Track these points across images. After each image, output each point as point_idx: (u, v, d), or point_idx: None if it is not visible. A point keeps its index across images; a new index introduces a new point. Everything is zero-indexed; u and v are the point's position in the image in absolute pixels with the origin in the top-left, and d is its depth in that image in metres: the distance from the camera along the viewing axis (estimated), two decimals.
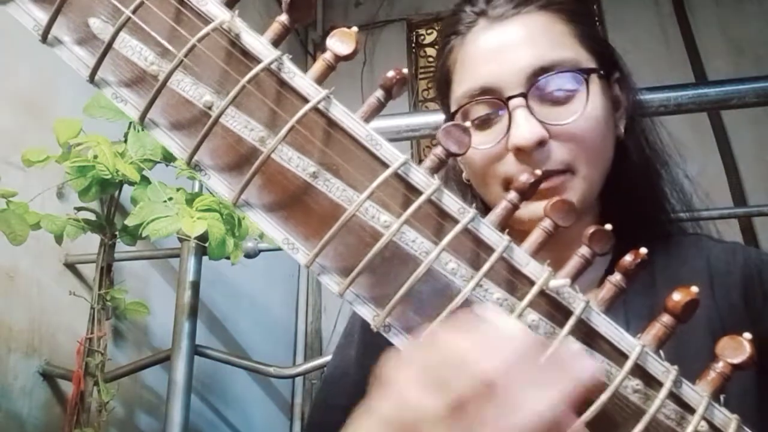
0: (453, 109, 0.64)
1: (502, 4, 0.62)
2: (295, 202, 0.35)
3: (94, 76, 0.36)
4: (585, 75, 0.59)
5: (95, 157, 1.36)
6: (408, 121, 1.39)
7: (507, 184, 0.60)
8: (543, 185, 0.56)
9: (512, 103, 0.58)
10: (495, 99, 0.59)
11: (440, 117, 1.46)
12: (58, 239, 1.43)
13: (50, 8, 0.36)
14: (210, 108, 0.35)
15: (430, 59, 3.63)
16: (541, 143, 0.57)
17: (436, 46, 3.51)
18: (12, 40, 1.40)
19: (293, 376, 2.30)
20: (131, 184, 1.45)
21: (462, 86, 0.63)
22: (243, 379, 2.32)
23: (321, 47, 3.58)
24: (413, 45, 3.62)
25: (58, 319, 1.59)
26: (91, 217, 1.54)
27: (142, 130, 0.37)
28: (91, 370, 1.46)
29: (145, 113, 0.36)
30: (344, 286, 0.34)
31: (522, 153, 0.58)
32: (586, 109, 0.58)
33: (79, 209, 1.52)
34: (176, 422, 1.47)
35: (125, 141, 1.46)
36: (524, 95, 0.58)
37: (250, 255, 1.79)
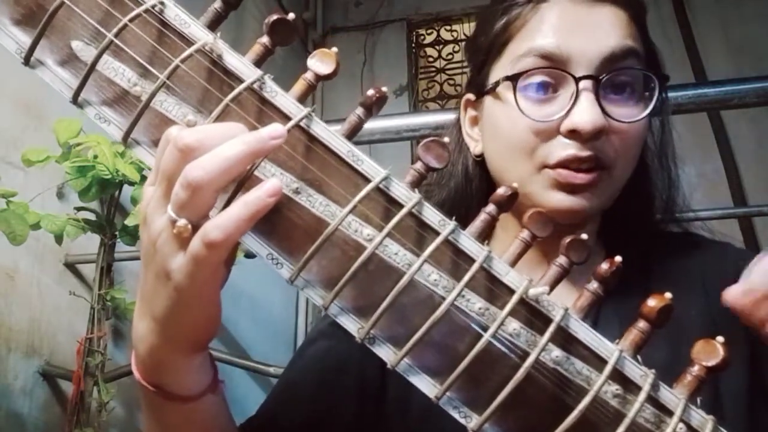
0: (506, 69, 0.60)
1: None
2: (279, 218, 0.35)
3: (77, 98, 0.37)
4: (659, 80, 0.58)
5: (95, 157, 1.36)
6: (408, 121, 1.39)
7: (541, 167, 0.57)
8: (582, 179, 0.56)
9: (582, 83, 0.55)
10: (565, 72, 0.56)
11: (440, 117, 1.46)
12: (58, 239, 1.44)
13: (33, 31, 0.37)
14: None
15: (430, 59, 3.63)
16: (599, 133, 0.55)
17: (437, 46, 3.46)
18: None
19: None
20: (131, 184, 1.45)
21: (527, 43, 0.58)
22: (243, 379, 2.32)
23: (321, 47, 3.57)
24: (413, 45, 3.62)
25: (58, 319, 1.59)
26: (91, 217, 1.54)
27: (126, 148, 0.38)
28: (91, 370, 1.46)
29: (128, 134, 0.37)
30: (329, 299, 0.34)
31: (577, 136, 0.55)
32: (646, 115, 0.58)
33: (79, 209, 1.52)
34: None
35: None
36: (597, 79, 0.55)
37: (250, 255, 1.79)
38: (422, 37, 3.66)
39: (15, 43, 0.37)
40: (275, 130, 0.35)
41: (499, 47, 0.62)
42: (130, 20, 0.37)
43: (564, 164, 0.56)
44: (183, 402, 0.44)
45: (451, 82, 3.50)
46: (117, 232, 1.54)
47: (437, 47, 3.61)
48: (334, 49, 0.38)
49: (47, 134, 1.43)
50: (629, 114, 0.57)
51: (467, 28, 3.58)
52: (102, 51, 0.36)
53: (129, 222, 1.44)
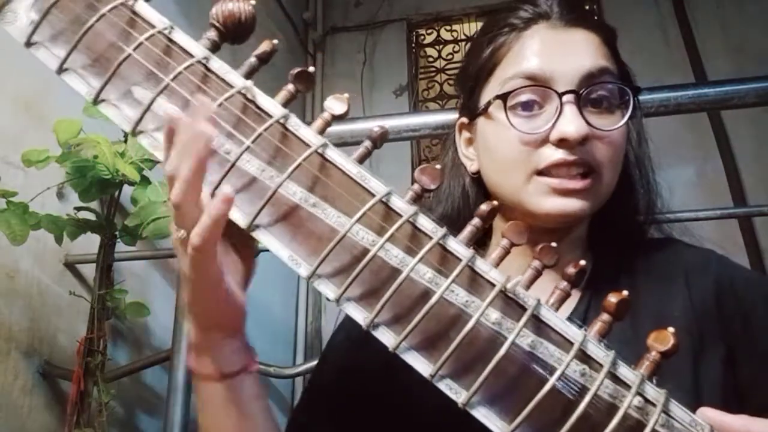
0: (496, 91, 0.65)
1: (566, 14, 0.66)
2: (298, 227, 0.43)
3: (134, 130, 0.47)
4: (634, 91, 0.64)
5: (95, 157, 1.36)
6: (408, 121, 1.39)
7: (532, 174, 0.63)
8: (572, 185, 0.61)
9: (565, 97, 0.61)
10: (549, 89, 0.62)
11: (440, 117, 1.46)
12: (58, 239, 1.44)
13: (100, 76, 0.47)
14: (228, 154, 0.45)
15: (430, 59, 3.63)
16: (584, 140, 0.60)
17: (437, 46, 3.48)
18: (12, 40, 1.40)
19: (293, 376, 2.30)
20: (131, 184, 1.45)
21: (513, 68, 0.65)
22: None
23: (321, 47, 3.57)
24: (413, 45, 3.62)
25: (58, 319, 1.59)
26: (91, 217, 1.54)
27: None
28: (91, 370, 1.46)
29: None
30: (339, 293, 0.41)
31: (565, 144, 0.61)
32: (625, 122, 0.63)
33: (79, 209, 1.52)
34: (176, 422, 1.47)
35: (125, 141, 1.46)
36: (578, 93, 0.61)
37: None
38: (422, 37, 3.66)
39: (86, 87, 0.47)
40: (201, 132, 0.41)
41: (488, 72, 0.68)
42: (184, 68, 0.46)
43: (554, 167, 0.61)
44: (221, 379, 0.53)
45: (451, 82, 3.49)
46: (117, 232, 1.54)
47: (437, 47, 3.61)
48: (346, 95, 0.46)
49: (47, 134, 1.43)
50: (609, 123, 0.63)
51: (467, 28, 3.58)
52: (158, 94, 0.46)
53: (129, 222, 1.44)
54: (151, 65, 0.47)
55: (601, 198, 0.64)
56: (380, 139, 0.45)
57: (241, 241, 0.51)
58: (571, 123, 0.60)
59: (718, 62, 2.95)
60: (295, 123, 0.45)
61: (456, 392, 0.38)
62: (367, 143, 0.45)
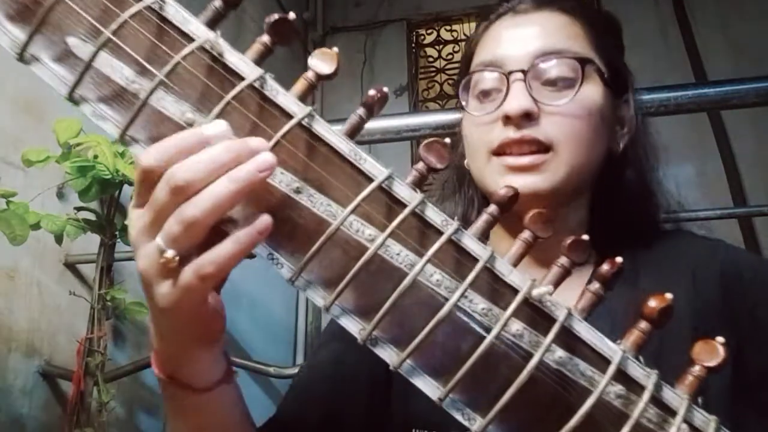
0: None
1: (528, 1, 0.68)
2: (280, 218, 0.35)
3: (72, 95, 0.36)
4: (582, 64, 0.62)
5: (95, 157, 1.36)
6: (408, 121, 1.39)
7: (491, 153, 0.64)
8: (525, 161, 0.61)
9: (512, 76, 0.63)
10: (498, 71, 0.64)
11: (440, 117, 1.46)
12: (58, 239, 1.44)
13: (28, 27, 0.36)
14: (191, 125, 0.35)
15: (430, 59, 3.63)
16: (528, 115, 0.61)
17: (437, 46, 3.50)
18: None
19: (293, 376, 2.30)
20: (131, 184, 1.44)
21: (477, 59, 0.69)
22: (243, 379, 2.32)
23: (321, 47, 3.57)
24: (413, 45, 3.62)
25: (58, 319, 1.59)
26: (91, 217, 1.54)
27: (123, 146, 0.37)
28: (91, 370, 1.46)
29: (125, 131, 0.36)
30: (330, 300, 0.34)
31: (509, 121, 0.61)
32: (577, 95, 0.62)
33: (79, 209, 1.52)
34: None
35: None
36: (524, 72, 0.62)
37: (250, 255, 1.79)
38: (422, 37, 3.66)
39: (9, 39, 0.36)
40: (264, 161, 0.34)
41: (465, 67, 0.71)
42: (130, 17, 0.36)
43: (504, 148, 0.62)
44: (199, 393, 0.47)
45: (451, 82, 3.50)
46: (117, 232, 1.54)
47: (437, 47, 3.61)
48: (335, 49, 0.37)
49: (47, 134, 1.43)
50: (561, 98, 0.62)
51: (467, 28, 3.58)
52: (99, 48, 0.36)
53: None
54: (92, 13, 0.36)
55: (562, 174, 0.61)
56: (378, 105, 0.37)
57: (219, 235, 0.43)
58: (515, 99, 0.61)
59: (718, 62, 2.95)
60: (272, 87, 0.36)
61: (470, 419, 0.32)
62: (361, 111, 0.37)
